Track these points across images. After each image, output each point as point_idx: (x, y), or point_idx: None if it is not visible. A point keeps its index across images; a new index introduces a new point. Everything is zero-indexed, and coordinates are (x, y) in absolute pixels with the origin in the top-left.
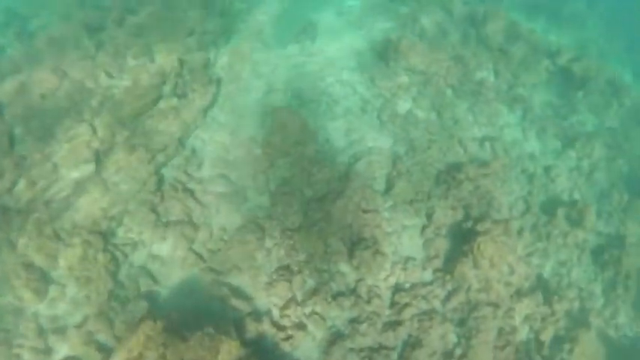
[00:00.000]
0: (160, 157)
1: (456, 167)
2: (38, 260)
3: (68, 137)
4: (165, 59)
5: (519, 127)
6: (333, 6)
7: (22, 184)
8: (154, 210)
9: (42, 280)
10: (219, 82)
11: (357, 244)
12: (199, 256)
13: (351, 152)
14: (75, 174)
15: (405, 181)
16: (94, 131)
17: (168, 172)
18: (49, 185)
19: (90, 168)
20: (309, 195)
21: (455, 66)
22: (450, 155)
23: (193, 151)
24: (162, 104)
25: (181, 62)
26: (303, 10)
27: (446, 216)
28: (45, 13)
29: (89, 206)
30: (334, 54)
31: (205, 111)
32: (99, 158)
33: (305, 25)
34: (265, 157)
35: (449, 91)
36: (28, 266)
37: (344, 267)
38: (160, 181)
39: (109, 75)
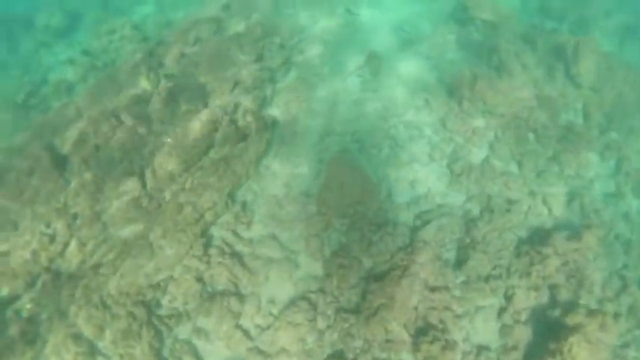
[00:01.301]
0: (208, 216)
1: (540, 236)
2: (87, 331)
3: (118, 193)
4: (218, 102)
5: (612, 180)
6: (398, 35)
7: (73, 246)
8: (199, 278)
9: (90, 354)
10: (274, 124)
11: (423, 331)
12: (246, 333)
13: (417, 211)
14: (123, 234)
15: (480, 251)
16: (144, 186)
17: (216, 232)
18: (98, 246)
19: (137, 228)
20: (368, 266)
21: (539, 107)
22: (533, 217)
23: (244, 205)
24: (212, 154)
25: (236, 105)
26: (366, 40)
27: (528, 298)
28: (113, 48)
29: (134, 272)
30: (398, 89)
31: (259, 160)
32: (146, 218)
33: (367, 57)
34: (320, 217)
35: (531, 137)
36: (77, 338)
37: (406, 356)
38: (207, 243)
39: (162, 121)
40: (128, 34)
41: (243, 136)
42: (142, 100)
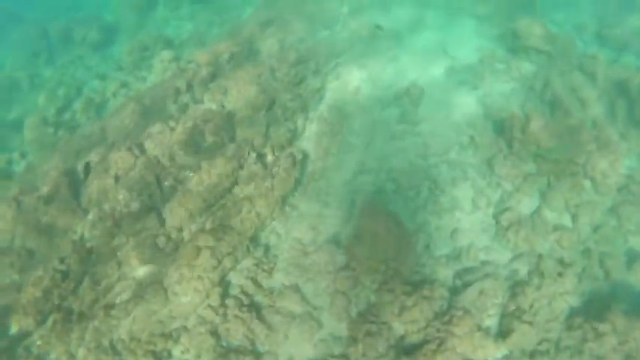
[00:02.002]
0: (227, 262)
1: (595, 307)
2: None
3: (135, 230)
4: (245, 134)
5: None
6: (443, 61)
7: (86, 283)
8: (214, 332)
9: None
10: (304, 158)
11: None
12: None
13: (458, 268)
14: (137, 274)
15: (526, 322)
16: (162, 224)
17: (234, 278)
18: (111, 286)
19: (152, 270)
20: (400, 334)
21: (598, 151)
22: (587, 282)
23: (266, 249)
24: (237, 191)
25: (264, 137)
26: (407, 66)
27: None
28: (145, 65)
29: (147, 318)
30: (441, 124)
31: (285, 199)
32: (162, 260)
33: (409, 85)
34: (349, 272)
35: (588, 185)
36: None
37: None
38: (225, 292)
39: (185, 152)
40: (160, 52)
41: (269, 174)
42: (168, 128)
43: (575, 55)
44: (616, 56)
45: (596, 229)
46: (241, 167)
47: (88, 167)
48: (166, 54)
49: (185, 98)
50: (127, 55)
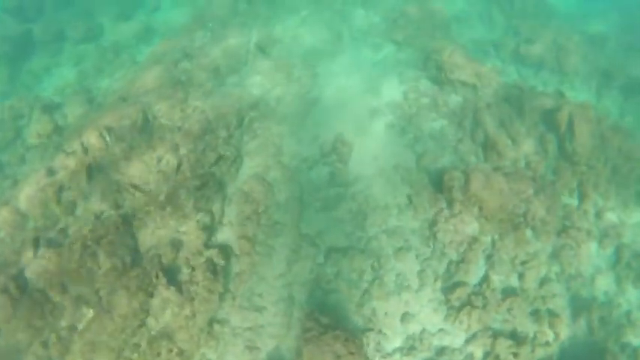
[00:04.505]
0: None
1: None
2: None
3: None
4: (151, 242)
5: (612, 273)
6: (367, 100)
7: None
8: None
9: None
10: (227, 258)
11: None
12: None
13: None
14: None
15: None
16: None
17: None
18: None
19: None
20: None
21: (535, 196)
22: (540, 350)
23: None
24: (152, 323)
25: (174, 245)
26: (330, 110)
27: None
28: (21, 141)
29: None
30: (375, 183)
31: (212, 321)
32: None
33: (335, 140)
34: None
35: (529, 234)
36: None
37: None
38: None
39: (78, 281)
40: (38, 121)
41: (187, 297)
42: (54, 242)
43: (501, 84)
44: (534, 72)
45: (542, 284)
46: (151, 296)
47: None
48: (46, 124)
49: (69, 195)
50: None
